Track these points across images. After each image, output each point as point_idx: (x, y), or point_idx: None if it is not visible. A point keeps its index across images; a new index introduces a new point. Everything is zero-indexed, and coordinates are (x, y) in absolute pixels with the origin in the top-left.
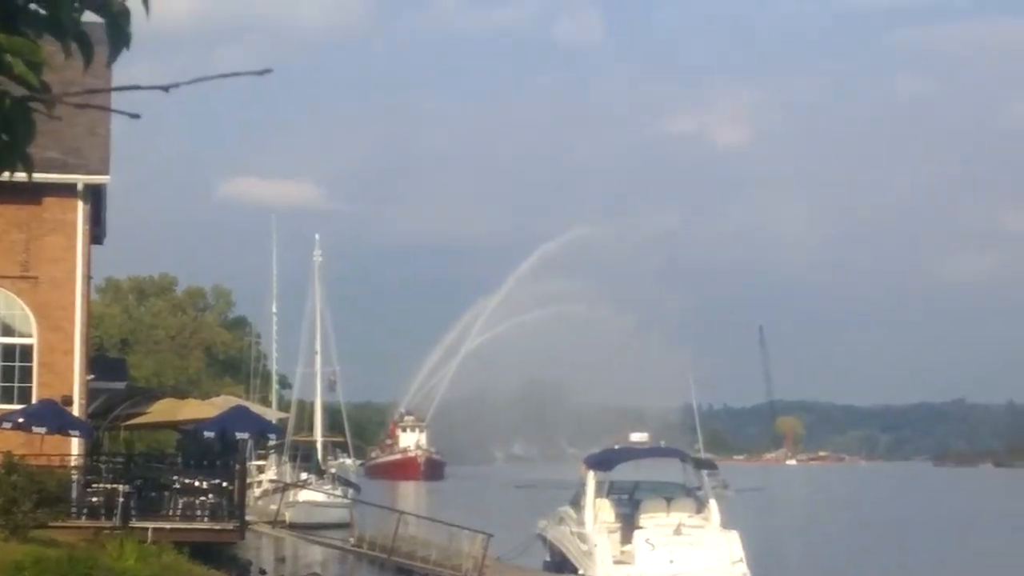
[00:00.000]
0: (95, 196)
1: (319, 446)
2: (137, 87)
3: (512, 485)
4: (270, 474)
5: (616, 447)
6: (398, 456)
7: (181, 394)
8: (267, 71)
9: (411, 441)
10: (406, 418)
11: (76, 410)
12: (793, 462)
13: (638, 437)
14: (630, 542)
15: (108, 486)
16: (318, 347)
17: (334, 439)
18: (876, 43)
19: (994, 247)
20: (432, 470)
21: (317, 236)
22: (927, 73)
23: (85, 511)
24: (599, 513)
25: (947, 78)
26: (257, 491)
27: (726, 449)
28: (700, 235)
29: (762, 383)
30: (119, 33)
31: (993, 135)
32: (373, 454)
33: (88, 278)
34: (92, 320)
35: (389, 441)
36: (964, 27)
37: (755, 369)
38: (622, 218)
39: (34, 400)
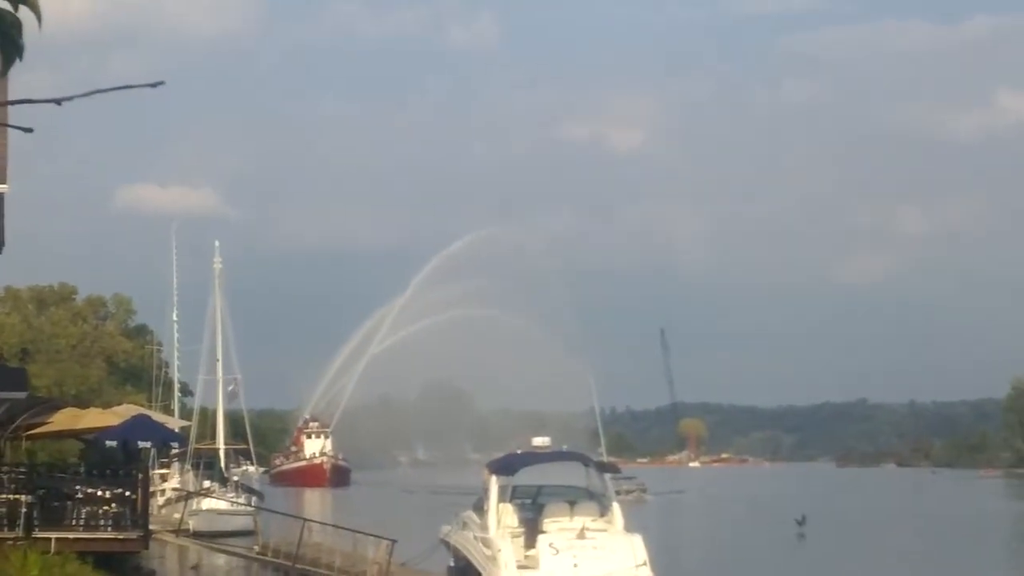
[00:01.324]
0: None
1: (222, 454)
2: (30, 100)
3: (420, 490)
4: (173, 482)
5: (519, 451)
6: (303, 463)
7: (83, 403)
8: (160, 83)
9: (316, 447)
10: (311, 424)
11: None
12: (696, 464)
13: (540, 441)
14: (534, 546)
15: (10, 497)
16: (219, 354)
17: (237, 446)
18: (767, 47)
19: (887, 247)
20: (338, 476)
21: (216, 243)
22: (815, 77)
23: None
24: (502, 518)
25: (835, 81)
26: (160, 500)
27: (629, 452)
28: (599, 238)
29: (664, 385)
30: (11, 44)
31: (881, 137)
32: (278, 461)
33: None
34: None
35: (294, 448)
36: (852, 31)
37: (657, 372)
38: (521, 222)
39: None
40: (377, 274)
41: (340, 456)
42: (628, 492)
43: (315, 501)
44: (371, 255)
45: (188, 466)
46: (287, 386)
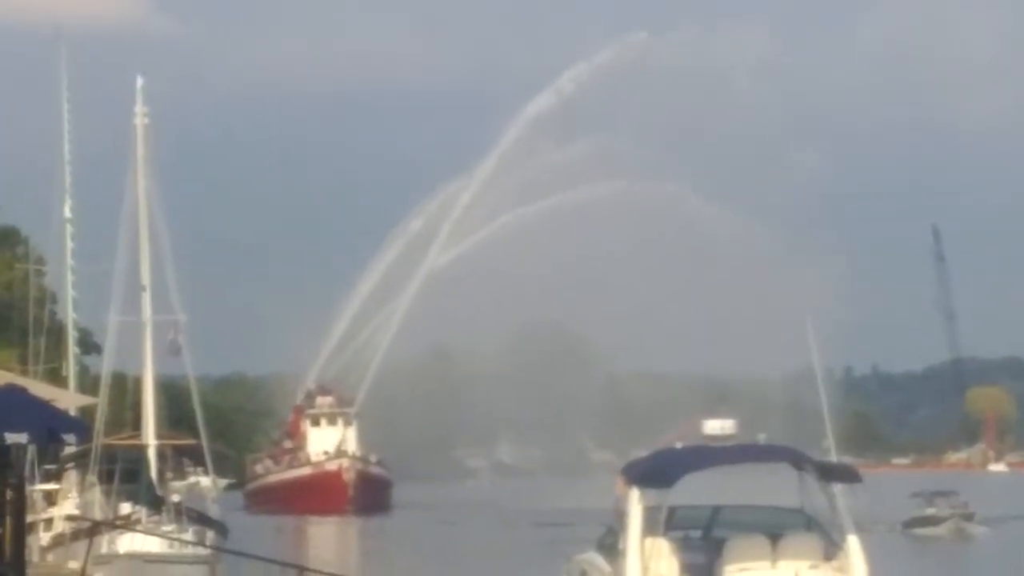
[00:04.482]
0: None
1: (153, 455)
2: None
3: (511, 519)
4: (68, 505)
5: (679, 446)
6: (306, 470)
7: None
8: None
9: (330, 442)
10: (319, 401)
11: None
12: (1001, 467)
13: (719, 428)
14: None
15: None
16: (145, 279)
17: (180, 442)
18: None
19: None
20: (369, 495)
21: (140, 80)
22: None
23: None
24: (652, 562)
25: None
26: (46, 536)
27: (878, 445)
28: (821, 63)
29: (939, 329)
30: None
31: None
32: (259, 468)
33: None
34: None
35: (289, 443)
36: None
37: (926, 304)
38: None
39: None
40: (429, 130)
41: (372, 458)
42: (937, 519)
43: (328, 538)
44: (418, 97)
45: (94, 477)
46: (270, 335)
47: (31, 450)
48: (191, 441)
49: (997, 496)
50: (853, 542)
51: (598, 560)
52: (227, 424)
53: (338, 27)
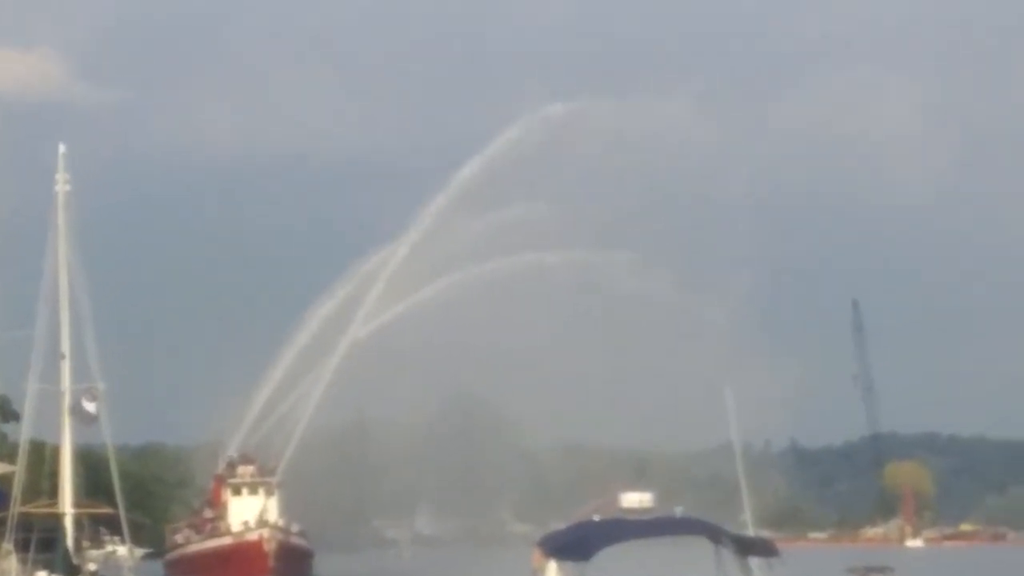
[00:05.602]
0: None
1: (70, 523)
2: None
3: None
4: None
5: (597, 518)
6: (227, 540)
7: None
8: None
9: (251, 512)
10: (240, 470)
11: None
12: (918, 543)
13: (636, 500)
14: None
15: None
16: (65, 346)
17: (97, 511)
18: None
19: None
20: (290, 565)
21: (62, 147)
22: None
23: None
24: None
25: None
26: None
27: (797, 520)
28: (748, 135)
29: (857, 403)
30: None
31: None
32: (179, 537)
33: None
34: None
35: (210, 513)
36: None
37: (845, 378)
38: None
39: None
40: (357, 200)
41: (294, 528)
42: None
43: None
44: (345, 166)
45: (10, 545)
46: (191, 404)
47: None
48: (109, 510)
49: (926, 571)
50: None
51: None
52: (145, 494)
53: (265, 95)
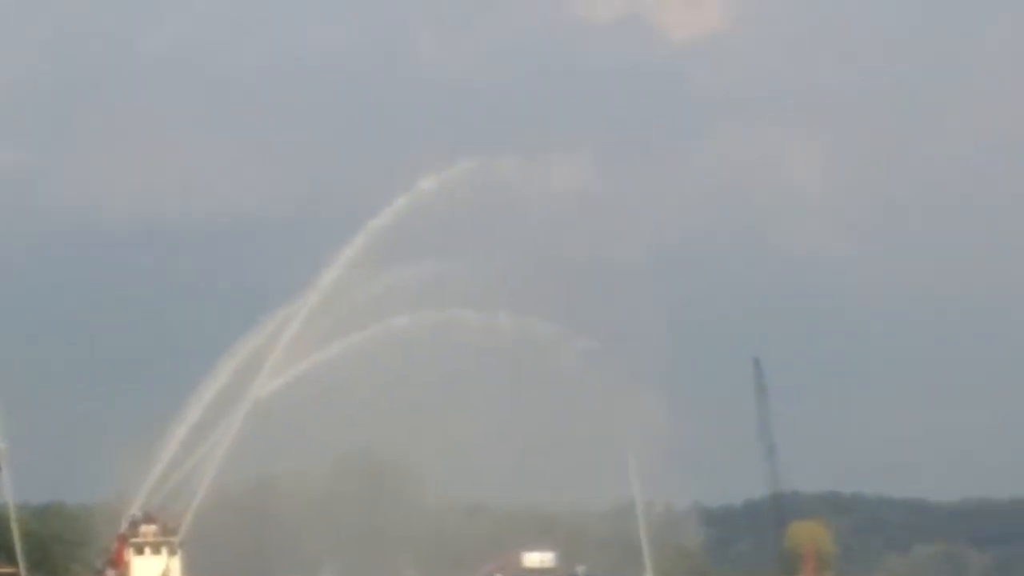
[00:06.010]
0: None
1: None
2: None
3: None
4: None
5: None
6: None
7: None
8: None
9: (154, 571)
10: (144, 528)
11: None
12: None
13: (538, 559)
14: None
15: None
16: None
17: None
18: None
19: None
20: None
21: None
22: None
23: None
24: None
25: None
26: None
27: None
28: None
29: (759, 462)
30: None
31: None
32: None
33: None
34: None
35: (112, 572)
36: None
37: (747, 437)
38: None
39: None
40: (260, 257)
41: None
42: None
43: None
44: (248, 224)
45: None
46: (94, 463)
47: None
48: (9, 570)
49: None
50: None
51: None
52: (46, 553)
53: (161, 158)
